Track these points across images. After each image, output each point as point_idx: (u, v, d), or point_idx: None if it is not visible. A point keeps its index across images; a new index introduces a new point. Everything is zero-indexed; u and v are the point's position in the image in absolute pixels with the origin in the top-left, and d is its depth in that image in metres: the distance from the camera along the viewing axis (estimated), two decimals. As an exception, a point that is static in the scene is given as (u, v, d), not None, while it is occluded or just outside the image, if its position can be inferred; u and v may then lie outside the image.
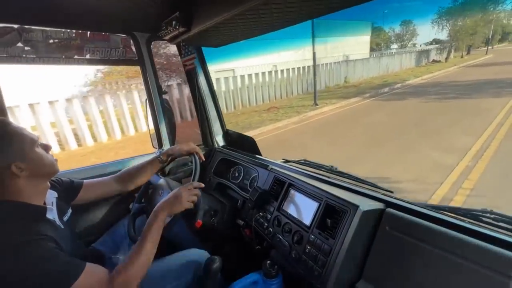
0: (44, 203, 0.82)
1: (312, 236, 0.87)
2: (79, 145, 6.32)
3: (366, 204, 0.80)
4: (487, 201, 2.56)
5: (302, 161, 1.33)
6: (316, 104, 8.73)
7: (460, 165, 3.45)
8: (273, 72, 10.86)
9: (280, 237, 0.98)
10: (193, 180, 0.98)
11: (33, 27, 1.13)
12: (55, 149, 5.90)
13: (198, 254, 1.08)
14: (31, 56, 1.16)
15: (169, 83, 7.44)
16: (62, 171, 1.13)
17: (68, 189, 0.99)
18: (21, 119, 5.30)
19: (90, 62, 1.30)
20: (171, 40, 1.18)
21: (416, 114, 6.74)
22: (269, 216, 1.09)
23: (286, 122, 7.32)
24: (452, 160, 3.58)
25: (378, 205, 0.82)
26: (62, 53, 1.22)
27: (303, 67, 12.06)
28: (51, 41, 1.18)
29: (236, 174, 1.48)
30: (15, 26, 1.09)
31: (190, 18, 0.97)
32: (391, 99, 9.37)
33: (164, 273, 0.98)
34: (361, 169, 3.61)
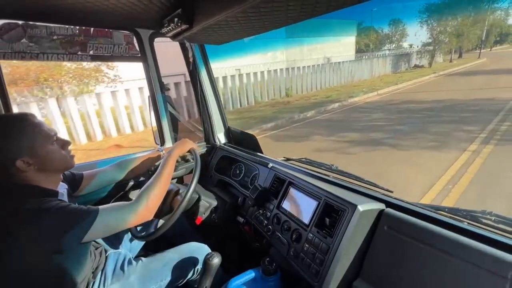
0: None
1: (311, 235, 0.87)
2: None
3: (365, 204, 0.80)
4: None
5: (303, 160, 1.33)
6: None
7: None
8: (236, 76, 9.32)
9: (279, 234, 0.99)
10: (193, 178, 0.99)
11: (37, 23, 1.14)
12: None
13: (198, 247, 1.10)
14: (35, 52, 1.17)
15: (177, 80, 7.37)
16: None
17: (71, 182, 1.01)
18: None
19: (94, 58, 1.31)
20: (173, 37, 1.17)
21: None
22: (268, 213, 1.09)
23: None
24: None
25: (377, 205, 0.82)
26: (66, 49, 1.23)
27: (275, 70, 10.51)
28: (55, 37, 1.19)
29: (237, 172, 1.48)
30: (20, 22, 1.10)
31: (192, 15, 0.97)
32: (294, 136, 5.91)
33: (165, 265, 1.01)
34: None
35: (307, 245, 0.87)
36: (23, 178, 0.76)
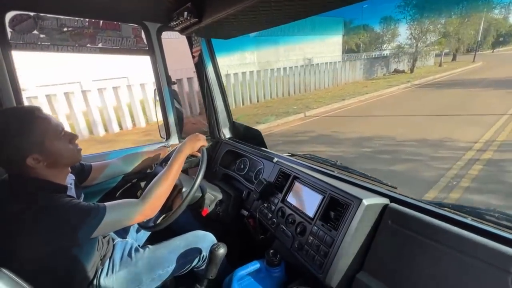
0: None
1: (315, 228, 0.89)
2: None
3: (369, 198, 0.81)
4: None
5: (308, 155, 1.34)
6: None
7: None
8: (184, 81, 7.67)
9: (284, 227, 1.01)
10: (197, 177, 1.00)
11: (48, 15, 1.15)
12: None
13: (204, 236, 1.13)
14: (46, 43, 1.18)
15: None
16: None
17: (79, 173, 1.03)
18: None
19: (102, 50, 1.32)
20: (182, 31, 1.18)
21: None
22: (273, 207, 1.11)
23: None
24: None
25: (382, 200, 0.83)
26: (76, 41, 1.24)
27: (235, 74, 8.78)
28: (65, 29, 1.21)
29: (242, 166, 1.50)
30: (31, 13, 1.11)
31: (202, 9, 0.98)
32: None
33: (171, 252, 1.04)
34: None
35: (311, 238, 0.88)
36: (32, 174, 0.76)
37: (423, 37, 17.56)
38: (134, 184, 1.40)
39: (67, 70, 8.19)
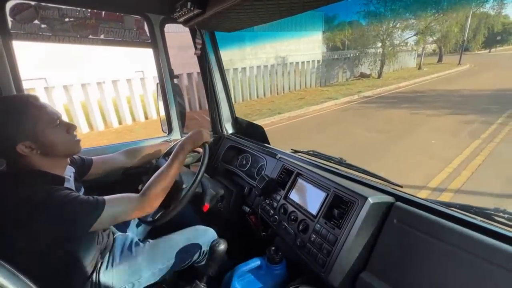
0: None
1: (318, 225, 0.87)
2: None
3: (375, 197, 0.79)
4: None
5: (311, 152, 1.32)
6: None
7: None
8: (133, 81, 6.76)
9: (286, 225, 0.99)
10: (200, 169, 0.98)
11: (49, 4, 1.13)
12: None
13: (204, 231, 1.12)
14: (47, 34, 1.17)
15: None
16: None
17: (79, 167, 1.02)
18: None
19: (104, 42, 1.30)
20: (185, 23, 1.16)
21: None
22: (275, 204, 1.09)
23: None
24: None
25: (388, 198, 0.81)
26: (77, 32, 1.22)
27: (189, 74, 7.45)
28: (66, 19, 1.19)
29: (244, 162, 1.48)
30: (32, 3, 1.09)
31: (206, 0, 0.95)
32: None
33: (172, 246, 1.03)
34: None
35: (314, 236, 0.87)
36: (27, 164, 0.75)
37: (389, 37, 13.51)
38: (135, 178, 1.39)
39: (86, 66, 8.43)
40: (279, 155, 1.25)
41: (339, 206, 0.85)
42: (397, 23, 13.63)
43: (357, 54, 14.19)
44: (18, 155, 0.73)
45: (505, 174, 3.16)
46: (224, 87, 1.69)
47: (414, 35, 15.42)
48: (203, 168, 0.98)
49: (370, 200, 0.77)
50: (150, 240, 1.06)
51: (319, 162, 1.18)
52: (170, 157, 0.98)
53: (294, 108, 7.61)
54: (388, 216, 0.79)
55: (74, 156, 1.02)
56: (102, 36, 1.30)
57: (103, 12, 1.27)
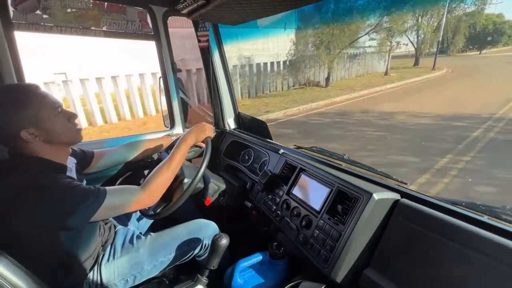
0: None
1: (322, 221, 0.86)
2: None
3: (380, 193, 0.78)
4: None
5: (314, 148, 1.30)
6: None
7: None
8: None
9: (288, 220, 0.98)
10: (202, 164, 0.97)
11: (51, -6, 1.11)
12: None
13: (206, 224, 1.11)
14: (49, 24, 1.15)
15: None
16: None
17: (81, 159, 1.02)
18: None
19: (106, 34, 1.29)
20: (188, 15, 1.15)
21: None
22: (278, 199, 1.08)
23: None
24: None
25: (393, 195, 0.80)
26: (80, 23, 1.21)
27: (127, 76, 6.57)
28: (68, 10, 1.17)
29: (246, 157, 1.47)
30: (34, -8, 1.08)
31: (210, -9, 0.93)
32: None
33: (173, 239, 1.02)
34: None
35: (317, 232, 0.86)
36: (30, 151, 0.75)
37: (328, 39, 10.24)
38: (136, 171, 1.39)
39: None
40: (282, 151, 1.24)
41: (343, 202, 0.83)
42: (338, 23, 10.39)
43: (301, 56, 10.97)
44: (22, 142, 0.73)
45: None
46: (227, 82, 1.68)
47: (386, 34, 12.58)
48: (205, 162, 0.97)
49: (375, 197, 0.76)
50: (152, 234, 1.06)
51: (322, 158, 1.17)
52: (172, 150, 0.97)
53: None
54: (393, 213, 0.77)
55: (75, 149, 1.01)
56: (104, 28, 1.28)
57: (106, 4, 1.25)
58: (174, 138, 1.32)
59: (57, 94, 5.73)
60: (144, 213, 1.08)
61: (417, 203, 0.75)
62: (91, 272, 0.90)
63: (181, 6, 1.05)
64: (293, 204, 1.00)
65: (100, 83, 6.16)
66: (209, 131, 1.08)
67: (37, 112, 0.74)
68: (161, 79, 1.54)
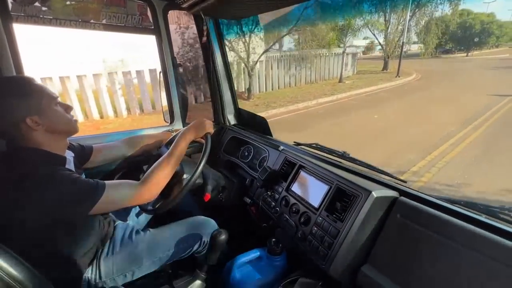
0: None
1: (320, 218, 0.86)
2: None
3: (379, 191, 0.78)
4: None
5: (314, 145, 1.30)
6: None
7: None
8: None
9: (287, 216, 0.99)
10: (201, 160, 0.96)
11: (50, -14, 1.10)
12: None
13: (205, 221, 1.12)
14: (48, 17, 1.14)
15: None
16: (73, 137, 1.15)
17: (79, 154, 1.01)
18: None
19: (106, 27, 1.28)
20: (189, 9, 1.13)
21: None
22: (277, 196, 1.08)
23: None
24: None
25: (391, 193, 0.80)
26: (79, 16, 1.19)
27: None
28: (68, 2, 1.16)
29: (246, 153, 1.47)
30: (33, -17, 1.06)
31: (211, -16, 0.92)
32: None
33: (172, 235, 1.03)
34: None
35: (315, 228, 0.86)
36: (31, 141, 0.76)
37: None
38: (136, 167, 1.39)
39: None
40: (281, 147, 1.23)
41: (342, 199, 0.84)
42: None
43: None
44: (25, 130, 0.74)
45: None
46: (228, 77, 1.67)
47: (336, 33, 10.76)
48: (205, 158, 0.97)
49: (374, 194, 0.76)
50: (151, 229, 1.06)
51: (322, 155, 1.17)
52: (172, 145, 0.97)
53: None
54: (391, 211, 0.78)
55: (73, 143, 1.01)
56: (104, 21, 1.27)
57: (106, -4, 1.24)
58: (173, 133, 1.32)
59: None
60: (143, 208, 1.08)
61: (415, 202, 0.76)
62: (90, 267, 0.91)
63: (182, 0, 1.04)
64: (292, 200, 1.01)
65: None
66: (209, 127, 1.07)
67: (40, 101, 0.76)
68: (161, 73, 1.53)
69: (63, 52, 7.34)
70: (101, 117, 6.61)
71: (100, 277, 0.91)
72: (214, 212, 1.30)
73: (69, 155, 0.91)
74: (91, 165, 1.08)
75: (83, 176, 0.96)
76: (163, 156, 0.94)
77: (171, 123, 1.61)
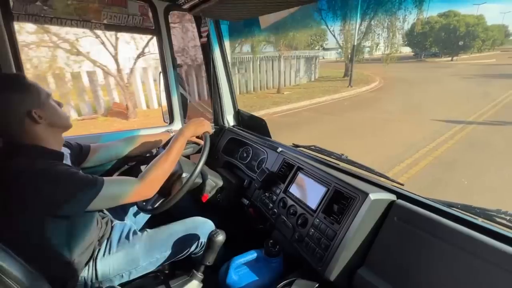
0: None
1: (317, 220, 0.86)
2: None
3: (376, 193, 0.78)
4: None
5: (313, 147, 1.30)
6: None
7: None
8: None
9: (284, 218, 0.99)
10: (198, 163, 0.97)
11: (52, -15, 1.10)
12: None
13: (203, 222, 1.12)
14: (49, 16, 1.14)
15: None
16: (70, 136, 1.15)
17: (77, 153, 1.01)
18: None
19: (107, 27, 1.28)
20: (190, 10, 1.14)
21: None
22: (274, 197, 1.09)
23: None
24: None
25: (389, 196, 0.80)
26: (80, 16, 1.20)
27: None
28: (69, 1, 1.16)
29: (245, 155, 1.47)
30: (34, -17, 1.07)
31: (212, -14, 0.93)
32: None
33: (170, 236, 1.03)
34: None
35: (312, 230, 0.86)
36: (34, 134, 0.77)
37: None
38: (133, 167, 1.38)
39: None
40: (280, 149, 1.24)
41: (339, 202, 0.84)
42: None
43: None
44: (28, 124, 0.75)
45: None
46: (227, 79, 1.67)
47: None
48: (203, 158, 0.97)
49: (371, 197, 0.76)
50: (148, 230, 1.06)
51: (320, 157, 1.17)
52: (170, 142, 0.98)
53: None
54: (388, 214, 0.78)
55: (71, 142, 1.01)
56: (105, 21, 1.28)
57: (107, -4, 1.25)
58: (172, 134, 1.32)
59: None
60: (141, 208, 1.08)
61: (413, 205, 0.76)
62: (87, 267, 0.90)
63: (183, 1, 1.05)
64: (290, 202, 1.01)
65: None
66: (207, 126, 1.08)
67: (40, 95, 0.78)
68: (161, 74, 1.54)
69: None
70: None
71: (96, 277, 0.91)
72: (212, 213, 1.30)
73: (65, 151, 0.91)
74: (88, 164, 1.07)
75: None
76: (161, 154, 0.94)
77: (170, 123, 1.61)
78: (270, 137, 1.54)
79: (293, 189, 1.04)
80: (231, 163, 1.50)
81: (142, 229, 1.08)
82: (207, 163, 1.07)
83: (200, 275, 0.91)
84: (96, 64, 6.09)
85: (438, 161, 3.77)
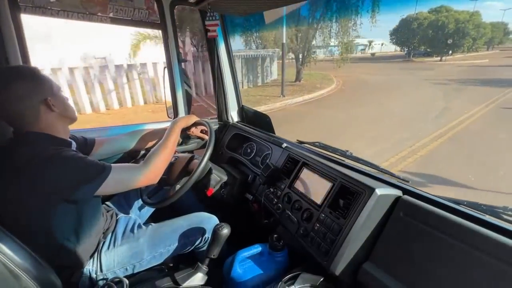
0: None
1: (323, 215, 0.86)
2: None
3: (382, 189, 0.78)
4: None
5: (317, 143, 1.30)
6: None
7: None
8: None
9: (289, 213, 0.99)
10: (208, 145, 1.02)
11: (59, -23, 1.10)
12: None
13: (208, 217, 1.12)
14: (56, 8, 1.14)
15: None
16: (75, 129, 1.15)
17: (82, 146, 1.02)
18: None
19: (113, 21, 1.28)
20: (196, 4, 1.13)
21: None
22: (279, 192, 1.09)
23: None
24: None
25: (395, 191, 0.80)
26: (87, 9, 1.20)
27: None
28: (76, -6, 1.16)
29: (249, 150, 1.47)
30: (41, -26, 1.07)
31: (220, -21, 0.92)
32: None
33: (174, 231, 1.03)
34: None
35: (318, 225, 0.86)
36: (46, 121, 0.79)
37: None
38: (137, 161, 1.39)
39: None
40: (285, 145, 1.24)
41: (345, 197, 0.84)
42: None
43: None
44: (42, 113, 0.77)
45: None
46: (232, 74, 1.67)
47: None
48: (209, 151, 1.00)
49: (378, 192, 0.76)
50: (153, 224, 1.06)
51: (325, 153, 1.17)
52: (166, 132, 1.03)
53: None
54: (394, 209, 0.78)
55: (76, 135, 1.02)
56: (111, 15, 1.27)
57: (113, -11, 1.24)
58: None
59: None
60: (146, 202, 1.08)
61: (419, 200, 0.76)
62: (92, 259, 0.91)
63: (189, -6, 1.04)
64: (295, 197, 1.01)
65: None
66: (194, 117, 1.16)
67: (52, 85, 0.80)
68: (166, 68, 1.54)
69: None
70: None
71: (101, 269, 0.91)
72: (216, 208, 1.30)
73: (72, 145, 0.93)
74: (92, 158, 1.08)
75: None
76: (160, 142, 0.99)
77: (174, 118, 1.61)
78: (274, 132, 1.54)
79: (298, 184, 1.04)
80: (235, 158, 1.50)
81: (146, 223, 1.09)
82: (211, 159, 1.07)
83: (205, 267, 0.91)
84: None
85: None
